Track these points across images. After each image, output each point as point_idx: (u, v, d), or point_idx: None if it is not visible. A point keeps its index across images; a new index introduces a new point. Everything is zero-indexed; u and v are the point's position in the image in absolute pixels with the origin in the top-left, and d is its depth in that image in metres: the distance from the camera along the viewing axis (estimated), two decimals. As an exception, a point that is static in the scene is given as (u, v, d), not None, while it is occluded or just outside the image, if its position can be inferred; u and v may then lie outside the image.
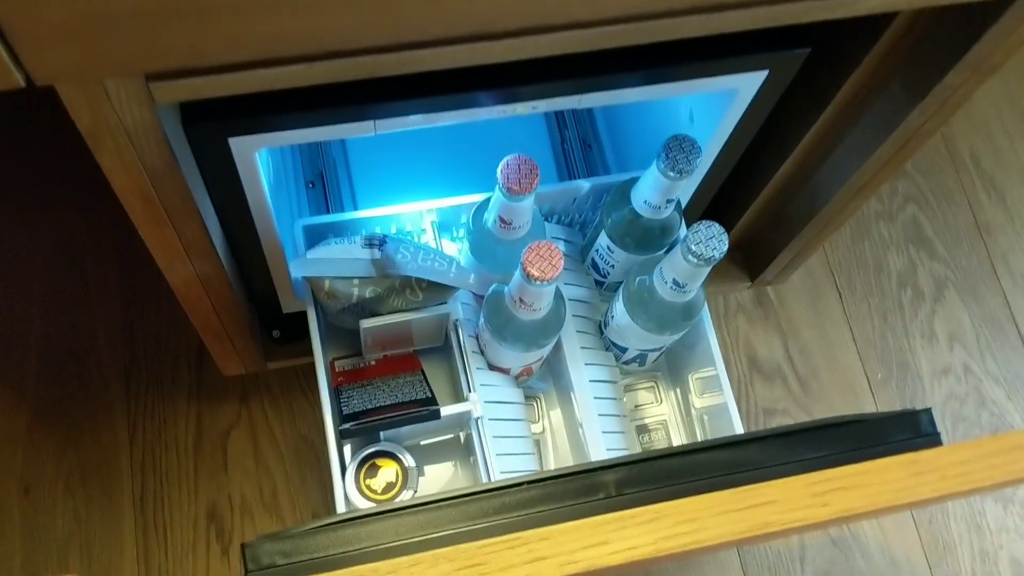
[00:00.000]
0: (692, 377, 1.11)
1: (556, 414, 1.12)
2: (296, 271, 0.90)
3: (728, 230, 0.98)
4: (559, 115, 1.29)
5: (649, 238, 1.00)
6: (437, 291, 0.95)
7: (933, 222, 1.57)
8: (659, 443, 1.12)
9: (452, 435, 1.08)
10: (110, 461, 1.31)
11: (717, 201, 1.11)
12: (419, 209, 1.04)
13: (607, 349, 1.09)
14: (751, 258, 1.32)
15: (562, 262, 0.85)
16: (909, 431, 0.73)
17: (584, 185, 1.05)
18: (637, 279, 0.99)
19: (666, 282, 0.92)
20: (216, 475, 1.31)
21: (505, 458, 0.99)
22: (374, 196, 1.21)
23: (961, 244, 1.55)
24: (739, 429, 1.00)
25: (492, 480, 0.93)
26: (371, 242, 0.93)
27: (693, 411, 1.11)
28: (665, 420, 1.13)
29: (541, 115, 1.30)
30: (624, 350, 1.06)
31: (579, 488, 0.70)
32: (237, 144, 0.79)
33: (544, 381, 1.13)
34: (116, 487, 1.29)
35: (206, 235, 0.84)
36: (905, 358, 1.48)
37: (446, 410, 0.95)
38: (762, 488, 0.53)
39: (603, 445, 1.00)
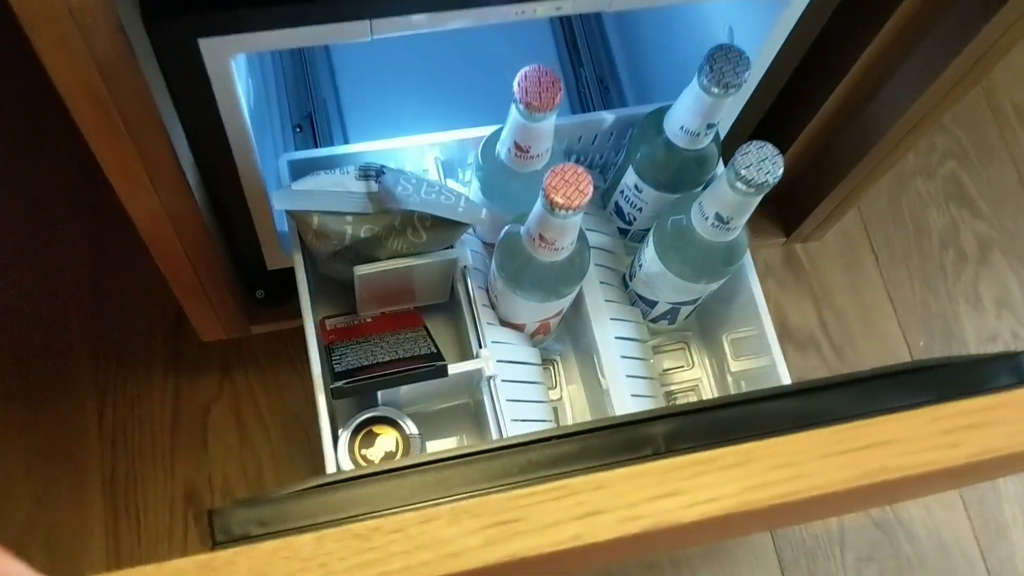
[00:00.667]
0: (728, 338, 0.99)
1: (575, 379, 0.99)
2: (279, 203, 0.78)
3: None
4: (573, 52, 1.17)
5: (684, 173, 0.88)
6: (443, 231, 0.83)
7: (975, 179, 1.45)
8: (692, 410, 0.99)
9: (460, 401, 0.95)
10: (77, 439, 1.18)
11: (756, 137, 0.98)
12: (421, 144, 0.91)
13: (633, 304, 0.96)
14: (787, 209, 1.19)
15: (591, 187, 0.72)
16: (1012, 375, 0.61)
17: (607, 118, 0.93)
18: (671, 219, 0.86)
19: (707, 218, 0.80)
20: (195, 454, 1.19)
21: (521, 425, 0.87)
22: (369, 139, 1.08)
23: (1006, 203, 1.43)
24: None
25: (507, 447, 0.81)
26: (367, 173, 0.81)
27: (729, 377, 0.99)
28: (697, 385, 1.01)
29: (554, 53, 1.18)
30: (653, 304, 0.93)
31: (620, 443, 0.57)
32: (209, 47, 0.67)
33: (561, 342, 1.00)
34: (83, 467, 1.17)
35: (173, 157, 0.72)
36: (948, 325, 1.36)
37: (454, 367, 0.82)
38: (876, 424, 0.41)
39: (631, 411, 0.88)
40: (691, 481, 0.40)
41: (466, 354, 0.93)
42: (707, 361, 1.02)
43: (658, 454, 0.57)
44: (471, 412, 0.96)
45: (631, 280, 0.95)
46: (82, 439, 1.18)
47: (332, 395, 0.78)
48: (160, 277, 0.95)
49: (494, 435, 0.84)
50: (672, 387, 1.00)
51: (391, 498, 0.52)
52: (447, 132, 0.92)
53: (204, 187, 0.83)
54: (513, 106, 0.77)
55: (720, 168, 0.91)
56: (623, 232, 0.99)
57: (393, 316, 0.95)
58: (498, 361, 0.87)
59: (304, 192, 0.79)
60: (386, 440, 0.85)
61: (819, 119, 0.98)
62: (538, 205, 0.75)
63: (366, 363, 0.82)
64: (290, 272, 1.03)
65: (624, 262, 0.98)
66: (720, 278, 0.88)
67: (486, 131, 0.90)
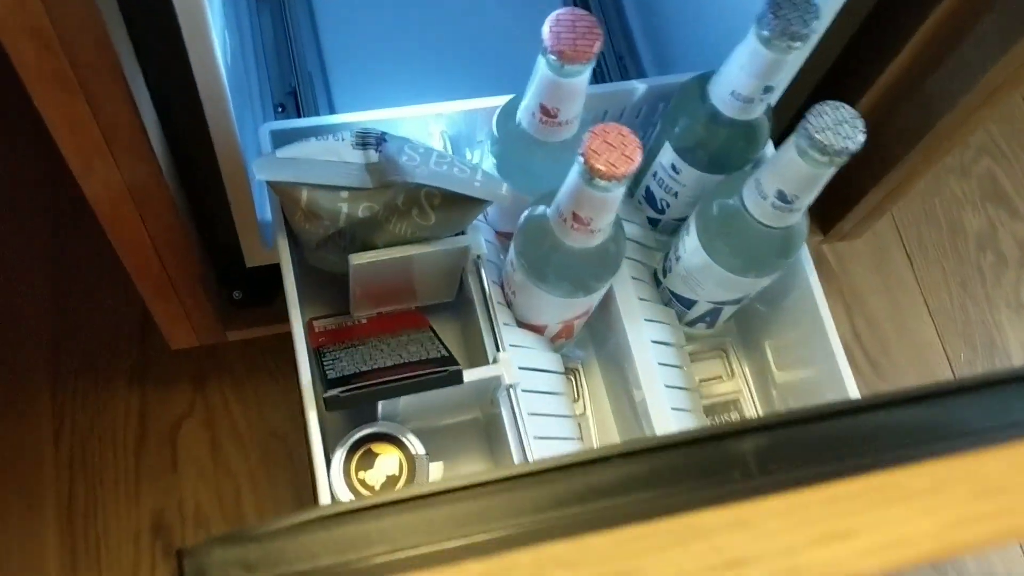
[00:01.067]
0: (771, 344, 0.87)
1: (599, 389, 0.87)
2: (261, 171, 0.65)
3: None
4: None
5: (732, 148, 0.76)
6: (455, 211, 0.70)
7: (1012, 177, 1.34)
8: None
9: (467, 416, 0.83)
10: (29, 458, 1.04)
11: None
12: (424, 114, 0.79)
13: (666, 304, 0.84)
14: (827, 202, 1.07)
15: (640, 152, 0.60)
16: None
17: (638, 87, 0.81)
18: (717, 202, 0.74)
19: (765, 196, 0.68)
20: (163, 477, 1.05)
21: (544, 443, 0.74)
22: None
23: (1047, 202, 1.33)
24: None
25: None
26: (365, 140, 0.68)
27: (773, 390, 0.87)
28: (738, 398, 0.89)
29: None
30: (691, 304, 0.81)
31: (699, 463, 0.45)
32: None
33: (582, 347, 0.88)
34: (36, 490, 1.03)
35: (134, 114, 0.59)
36: (990, 333, 1.25)
37: (471, 373, 0.70)
38: None
39: (673, 427, 0.76)
40: (865, 516, 0.27)
41: (476, 361, 0.80)
42: (747, 371, 0.90)
43: (749, 477, 0.45)
44: (480, 428, 0.84)
45: (664, 276, 0.83)
46: (35, 459, 1.04)
47: (326, 405, 0.65)
48: (125, 276, 0.82)
49: (515, 455, 0.72)
50: (709, 401, 0.88)
51: (417, 533, 0.39)
52: (455, 102, 0.80)
53: (172, 158, 0.70)
54: (540, 58, 0.65)
55: (769, 148, 0.79)
56: (651, 223, 0.87)
57: (392, 316, 0.83)
58: (521, 368, 0.74)
59: (291, 160, 0.66)
60: (387, 461, 0.73)
61: (875, 91, 0.87)
62: (573, 175, 0.63)
63: (364, 368, 0.69)
64: (271, 270, 0.91)
65: (655, 257, 0.86)
66: (774, 271, 0.76)
67: (500, 101, 0.78)
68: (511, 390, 0.72)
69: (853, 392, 0.76)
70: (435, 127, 0.80)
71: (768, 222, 0.70)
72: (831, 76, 0.84)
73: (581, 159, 0.60)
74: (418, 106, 0.79)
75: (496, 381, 0.72)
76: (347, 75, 0.98)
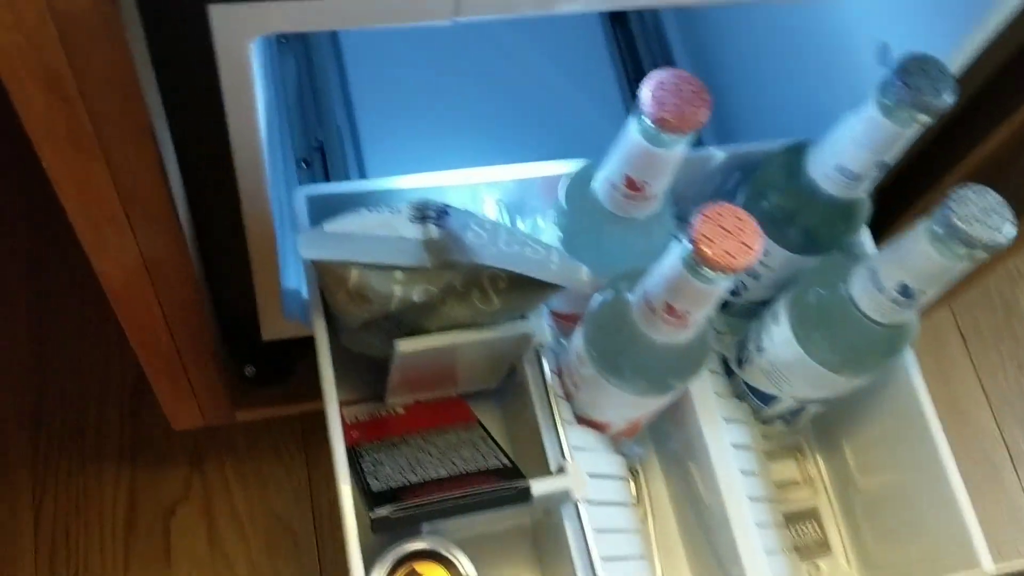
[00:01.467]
0: (849, 444, 0.77)
1: (660, 494, 0.77)
2: (309, 249, 0.55)
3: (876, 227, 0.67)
4: (635, 85, 0.96)
5: (828, 229, 0.67)
6: (523, 295, 0.61)
7: (1068, 254, 1.26)
8: (812, 541, 0.77)
9: (513, 522, 0.73)
10: (4, 540, 0.93)
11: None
12: (475, 181, 0.70)
13: (739, 397, 0.75)
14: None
15: (761, 242, 0.51)
16: None
17: (715, 155, 0.72)
18: (814, 291, 0.65)
19: (883, 289, 0.59)
20: (155, 566, 0.95)
21: (613, 566, 0.64)
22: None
23: (1106, 281, 1.25)
24: (972, 528, 0.66)
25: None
26: (424, 213, 0.59)
27: (856, 497, 0.77)
28: (815, 507, 0.79)
29: (614, 85, 0.97)
30: (771, 400, 0.72)
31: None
32: (224, 20, 0.45)
33: (641, 443, 0.78)
34: (10, 582, 0.92)
35: (161, 181, 0.50)
36: (1051, 421, 1.16)
37: (537, 486, 0.60)
38: None
39: (759, 546, 0.66)
40: None
41: (528, 462, 0.71)
42: (825, 474, 0.80)
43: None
44: (526, 534, 0.73)
45: (740, 367, 0.73)
46: (13, 544, 0.93)
47: (372, 527, 0.55)
48: (118, 339, 0.72)
49: (580, 578, 0.62)
50: (784, 508, 0.78)
51: None
52: (513, 167, 0.71)
53: (193, 224, 0.61)
54: (633, 124, 0.56)
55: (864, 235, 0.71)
56: (723, 305, 0.77)
57: (432, 406, 0.73)
58: (589, 475, 0.64)
59: (342, 236, 0.56)
60: (431, 582, 0.62)
61: (962, 169, 0.78)
62: (673, 261, 0.53)
63: (413, 479, 0.59)
64: (288, 345, 0.81)
65: (725, 342, 0.77)
66: (875, 371, 0.67)
67: (562, 167, 0.69)
68: (578, 506, 0.62)
69: (962, 501, 0.67)
70: (490, 195, 0.71)
71: (879, 317, 0.61)
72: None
73: (688, 245, 0.51)
74: (470, 170, 0.70)
75: (563, 496, 0.62)
76: (378, 131, 0.89)
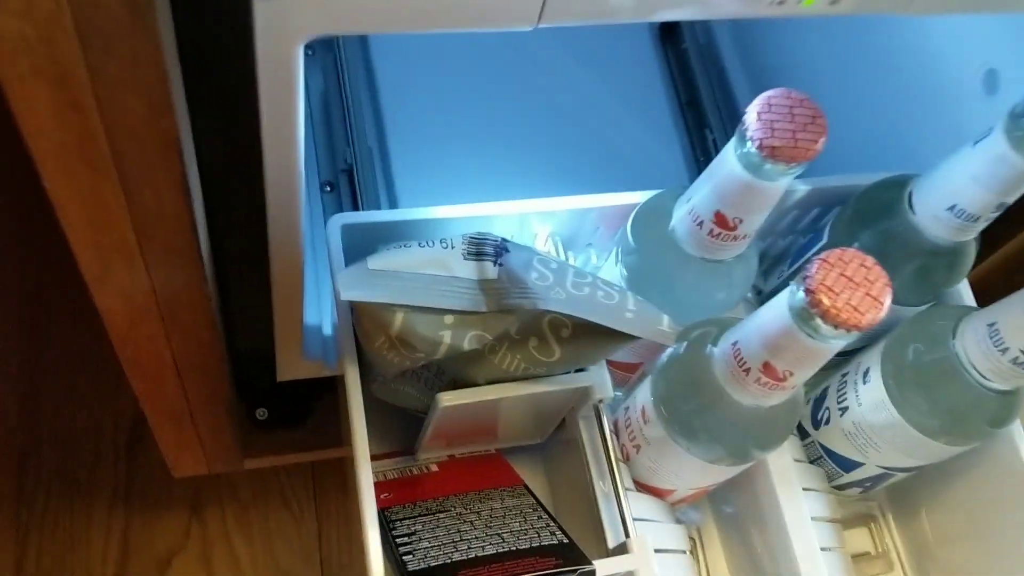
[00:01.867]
0: (929, 512, 0.70)
1: (718, 564, 0.69)
2: (349, 289, 0.47)
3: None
4: (692, 112, 0.89)
5: (930, 276, 0.60)
6: (589, 346, 0.53)
7: None
8: (889, 620, 0.69)
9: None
10: (-19, 599, 0.84)
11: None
12: (527, 211, 0.62)
13: (812, 461, 0.67)
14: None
15: (890, 292, 0.43)
16: None
17: (798, 188, 0.65)
18: (913, 346, 0.58)
19: (1005, 350, 0.52)
20: (146, 624, 0.86)
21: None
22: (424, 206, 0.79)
23: None
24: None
25: None
26: (481, 249, 0.51)
27: (931, 569, 0.69)
28: (891, 582, 0.71)
29: (668, 115, 0.90)
30: (853, 466, 0.64)
31: None
32: (272, 16, 0.37)
33: (697, 508, 0.70)
34: (-13, 641, 0.83)
35: (184, 207, 0.42)
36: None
37: (601, 568, 0.51)
38: None
39: (839, 631, 0.58)
40: None
41: (575, 529, 0.63)
42: (899, 545, 0.72)
43: None
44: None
45: (816, 428, 0.65)
46: (-12, 598, 0.85)
47: None
48: (114, 373, 0.64)
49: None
50: (858, 582, 0.70)
51: None
52: (569, 198, 0.63)
53: (213, 255, 0.53)
54: (733, 150, 0.48)
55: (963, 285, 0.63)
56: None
57: (469, 463, 0.65)
58: (657, 551, 0.56)
59: (388, 274, 0.48)
60: (474, 672, 0.54)
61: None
62: (778, 312, 0.45)
63: (456, 557, 0.51)
64: (303, 386, 0.73)
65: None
66: (979, 438, 0.59)
67: (623, 198, 0.62)
68: (648, 590, 0.54)
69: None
70: (542, 228, 0.63)
71: (995, 381, 0.54)
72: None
73: (802, 295, 0.43)
74: (522, 201, 0.62)
75: (628, 576, 0.54)
76: (410, 154, 0.81)
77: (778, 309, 0.46)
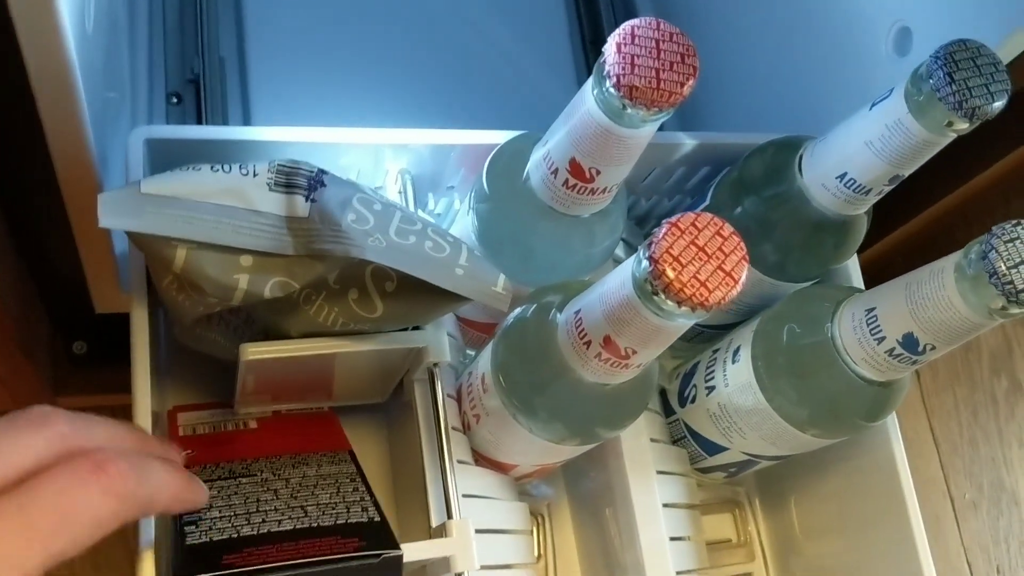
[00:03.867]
0: (798, 501, 0.65)
1: (567, 544, 0.63)
2: (108, 215, 0.39)
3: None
4: (591, 43, 0.82)
5: (815, 251, 0.54)
6: (416, 303, 0.46)
7: (1033, 291, 1.16)
8: (745, 616, 0.64)
9: None
10: None
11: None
12: (378, 141, 0.54)
13: (676, 441, 0.61)
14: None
15: (746, 267, 0.37)
16: None
17: (684, 142, 0.58)
18: (788, 326, 0.52)
19: (881, 339, 0.46)
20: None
21: (499, 647, 0.50)
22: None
23: (1073, 325, 1.15)
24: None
25: None
26: (291, 179, 0.43)
27: (793, 560, 0.65)
28: (751, 573, 0.66)
29: (568, 53, 0.82)
30: (716, 450, 0.58)
31: None
32: None
33: (551, 483, 0.64)
34: None
35: None
36: (999, 474, 1.05)
37: (409, 551, 0.45)
38: None
39: (682, 633, 0.52)
40: None
41: (406, 505, 0.56)
42: (763, 534, 0.67)
43: None
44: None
45: (682, 406, 0.60)
46: None
47: None
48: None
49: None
50: (715, 574, 0.65)
51: None
52: (430, 131, 0.55)
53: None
54: (590, 90, 0.41)
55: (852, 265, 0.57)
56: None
57: (295, 420, 0.58)
58: (479, 531, 0.50)
59: (166, 200, 0.41)
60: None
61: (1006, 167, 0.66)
62: (620, 282, 0.39)
63: (245, 531, 0.44)
64: (124, 318, 0.65)
65: (667, 371, 0.63)
66: (849, 434, 0.54)
67: (491, 136, 0.54)
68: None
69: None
70: (393, 164, 0.55)
71: (870, 373, 0.48)
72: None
73: (647, 264, 0.37)
74: (372, 130, 0.54)
75: (440, 564, 0.48)
76: (273, 70, 0.73)
77: (622, 277, 0.39)
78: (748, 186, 0.54)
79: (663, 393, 0.62)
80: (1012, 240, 0.40)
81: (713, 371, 0.56)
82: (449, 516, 0.48)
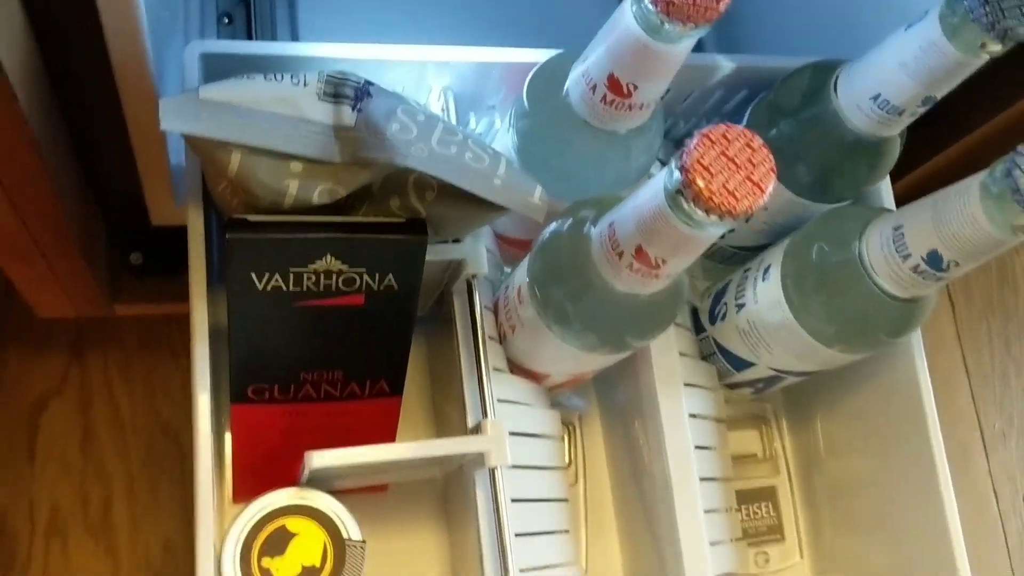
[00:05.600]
0: (823, 420, 0.67)
1: (597, 454, 0.66)
2: (170, 119, 0.41)
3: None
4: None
5: (849, 172, 0.55)
6: (455, 212, 0.48)
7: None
8: (765, 525, 0.67)
9: (421, 476, 0.61)
10: None
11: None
12: (425, 59, 0.56)
13: (705, 358, 0.63)
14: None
15: (773, 178, 0.38)
16: None
17: (723, 65, 0.59)
18: (819, 246, 0.53)
19: (907, 256, 0.47)
20: (16, 468, 0.82)
21: (528, 542, 0.53)
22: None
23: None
24: (956, 542, 0.55)
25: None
26: (339, 90, 0.45)
27: (816, 478, 0.67)
28: (774, 487, 0.68)
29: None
30: (744, 366, 0.60)
31: None
32: None
33: (582, 394, 0.67)
34: None
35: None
36: (1030, 406, 1.07)
37: (444, 445, 0.48)
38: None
39: (704, 536, 0.55)
40: None
41: (445, 407, 0.59)
42: (788, 451, 0.69)
43: None
44: (437, 491, 0.62)
45: (712, 323, 0.62)
46: None
47: (229, 243, 0.43)
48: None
49: (489, 561, 0.50)
50: (738, 486, 0.67)
51: None
52: (469, 48, 0.57)
53: (40, 81, 0.47)
54: (629, 6, 0.42)
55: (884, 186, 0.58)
56: (700, 245, 0.65)
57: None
58: (512, 434, 0.52)
59: (223, 107, 0.43)
60: (307, 545, 0.50)
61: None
62: (652, 192, 0.41)
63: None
64: (179, 231, 0.68)
65: (698, 290, 0.65)
66: (874, 349, 0.55)
67: (532, 55, 0.56)
68: (495, 473, 0.50)
69: (949, 508, 0.56)
70: (436, 81, 0.57)
71: (894, 289, 0.49)
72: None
73: (677, 174, 0.38)
74: (416, 47, 0.56)
75: (476, 459, 0.51)
76: (321, -11, 0.74)
77: (654, 188, 0.41)
78: (784, 108, 0.55)
79: (695, 311, 0.64)
80: (1036, 157, 0.41)
81: (744, 289, 0.58)
82: (484, 416, 0.51)
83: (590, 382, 0.66)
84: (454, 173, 0.44)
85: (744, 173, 0.37)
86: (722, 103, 0.63)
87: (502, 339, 0.57)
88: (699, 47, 0.79)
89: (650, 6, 0.41)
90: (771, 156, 0.38)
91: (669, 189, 0.39)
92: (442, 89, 0.57)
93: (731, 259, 0.64)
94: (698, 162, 0.38)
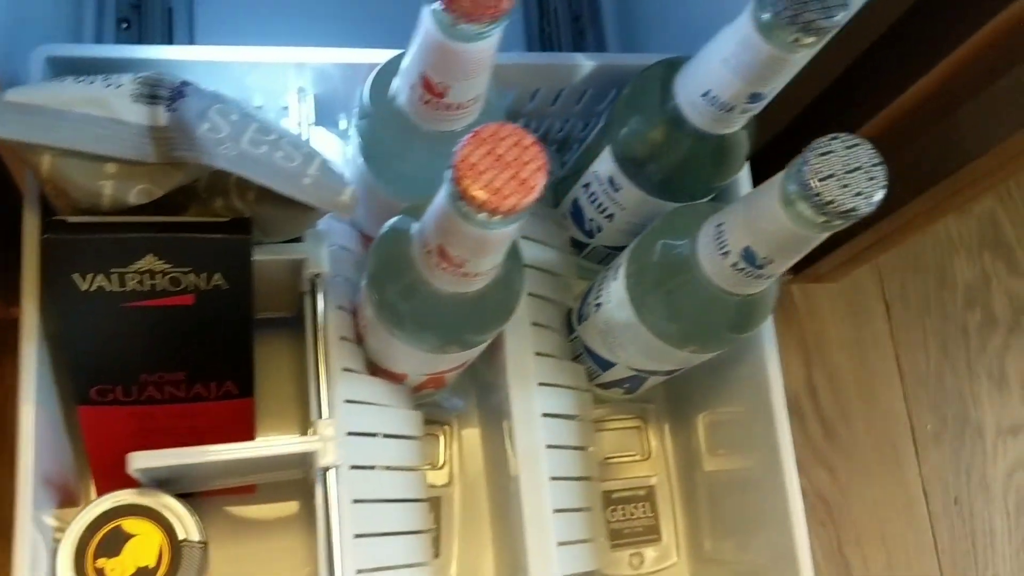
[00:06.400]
0: (704, 420, 0.67)
1: (475, 455, 0.66)
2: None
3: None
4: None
5: (692, 169, 0.55)
6: (280, 212, 0.48)
7: (1016, 224, 1.14)
8: (641, 526, 0.67)
9: (285, 476, 0.61)
10: None
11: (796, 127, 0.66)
12: (280, 60, 0.56)
13: (576, 358, 0.63)
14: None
15: (544, 177, 0.38)
16: None
17: (583, 64, 0.59)
18: (661, 243, 0.53)
19: (727, 253, 0.47)
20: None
21: (369, 544, 0.53)
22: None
23: (1052, 259, 1.13)
24: (798, 523, 0.55)
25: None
26: (154, 91, 0.45)
27: (698, 476, 0.67)
28: (653, 486, 0.68)
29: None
30: (607, 365, 0.60)
31: None
32: None
33: (462, 394, 0.67)
34: None
35: None
36: (965, 407, 1.05)
37: (281, 447, 0.48)
38: None
39: (551, 536, 0.55)
40: None
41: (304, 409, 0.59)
42: (669, 450, 0.69)
43: None
44: (306, 491, 0.62)
45: (579, 322, 0.62)
46: None
47: (45, 244, 0.43)
48: None
49: (322, 561, 0.50)
50: (615, 485, 0.67)
51: None
52: (326, 49, 0.57)
53: None
54: (428, 12, 0.42)
55: (745, 175, 0.58)
56: (578, 245, 0.65)
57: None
58: (352, 434, 0.53)
59: (28, 108, 0.43)
60: (142, 546, 0.51)
61: (885, 117, 0.66)
62: (442, 196, 0.41)
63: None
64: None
65: (573, 291, 0.65)
66: (720, 347, 0.55)
67: (390, 55, 0.56)
68: (328, 474, 0.50)
69: (795, 499, 0.56)
70: (293, 81, 0.57)
71: (724, 285, 0.49)
72: (829, 93, 0.63)
73: (452, 176, 0.38)
74: (275, 48, 0.56)
75: (310, 458, 0.51)
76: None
77: (443, 193, 0.41)
78: (634, 106, 0.55)
79: (569, 312, 0.64)
80: (825, 153, 0.41)
81: (602, 289, 0.58)
82: (320, 415, 0.51)
83: (470, 383, 0.67)
84: (262, 172, 0.45)
85: (512, 171, 0.38)
86: (594, 102, 0.63)
87: (359, 341, 0.57)
88: (600, 46, 0.80)
89: (438, 6, 0.41)
90: (542, 154, 0.38)
91: (449, 192, 0.39)
92: (297, 90, 0.57)
93: (605, 259, 0.64)
94: (468, 163, 0.38)
